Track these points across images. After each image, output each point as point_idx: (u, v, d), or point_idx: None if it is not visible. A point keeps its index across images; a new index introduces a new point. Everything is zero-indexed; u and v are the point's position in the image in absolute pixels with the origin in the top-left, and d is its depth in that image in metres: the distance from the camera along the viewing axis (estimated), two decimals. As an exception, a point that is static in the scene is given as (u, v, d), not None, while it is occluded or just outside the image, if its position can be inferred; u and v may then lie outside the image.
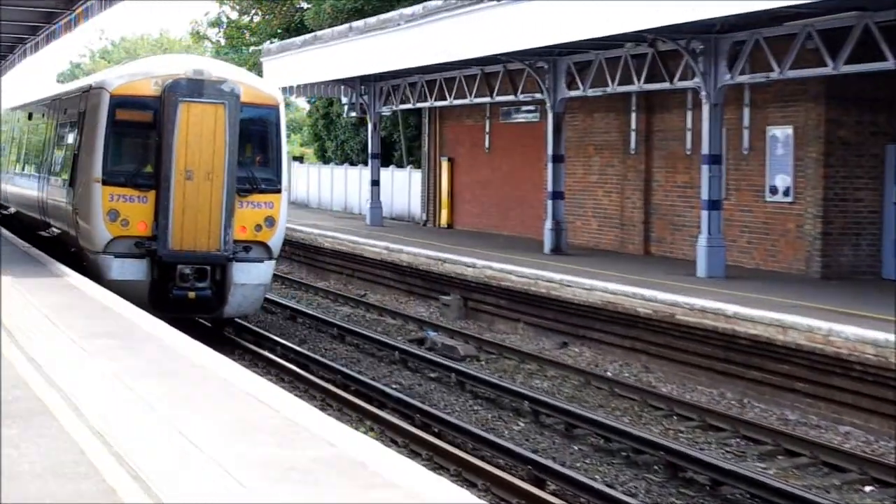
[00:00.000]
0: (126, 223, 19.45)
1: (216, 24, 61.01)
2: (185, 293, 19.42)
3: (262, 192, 20.10)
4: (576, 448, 14.76)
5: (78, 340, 12.04)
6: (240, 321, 22.29)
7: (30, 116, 30.35)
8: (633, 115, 27.99)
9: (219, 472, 6.99)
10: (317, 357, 19.85)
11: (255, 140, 20.50)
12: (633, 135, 28.06)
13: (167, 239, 19.24)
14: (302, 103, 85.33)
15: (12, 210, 30.87)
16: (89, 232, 19.91)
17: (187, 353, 11.60)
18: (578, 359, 20.78)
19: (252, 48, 57.18)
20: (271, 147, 20.53)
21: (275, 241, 20.28)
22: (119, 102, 19.73)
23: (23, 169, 29.44)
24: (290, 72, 38.05)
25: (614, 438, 14.67)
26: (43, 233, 25.59)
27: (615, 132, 28.88)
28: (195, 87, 19.27)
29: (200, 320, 21.43)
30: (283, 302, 26.80)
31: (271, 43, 41.49)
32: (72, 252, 21.75)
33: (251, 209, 19.96)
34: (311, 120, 57.80)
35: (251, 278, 19.97)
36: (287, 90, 40.74)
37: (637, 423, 16.14)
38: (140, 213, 19.45)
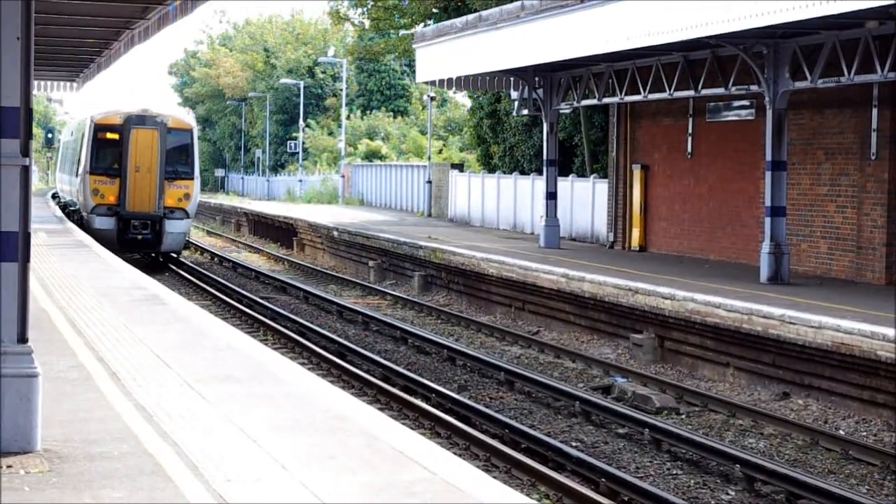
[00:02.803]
0: (103, 196, 41.54)
1: (361, 3, 62.07)
2: (136, 236, 41.53)
3: (181, 178, 42.04)
4: (799, 523, 14.69)
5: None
6: (391, 365, 23.86)
7: (72, 134, 53.06)
8: (874, 112, 27.60)
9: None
10: (479, 407, 20.05)
11: (179, 148, 42.24)
12: (873, 136, 27.65)
13: (125, 205, 41.28)
14: (462, 99, 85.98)
15: (70, 200, 52.23)
16: (83, 202, 42.73)
17: (316, 399, 11.83)
18: (803, 413, 20.59)
19: (402, 31, 57.96)
20: (188, 152, 42.52)
21: (191, 207, 42.59)
22: (99, 128, 41.77)
23: (68, 171, 52.08)
24: (448, 61, 38.40)
25: (848, 513, 14.53)
26: (72, 209, 48.47)
27: (851, 133, 28.51)
28: (141, 120, 41.30)
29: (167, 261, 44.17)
30: (439, 340, 27.16)
31: (426, 26, 42.06)
32: (81, 217, 43.81)
33: (175, 189, 41.85)
34: (474, 120, 58.24)
35: (176, 229, 42.18)
36: (444, 83, 41.20)
37: (877, 494, 15.92)
38: (111, 191, 41.53)
